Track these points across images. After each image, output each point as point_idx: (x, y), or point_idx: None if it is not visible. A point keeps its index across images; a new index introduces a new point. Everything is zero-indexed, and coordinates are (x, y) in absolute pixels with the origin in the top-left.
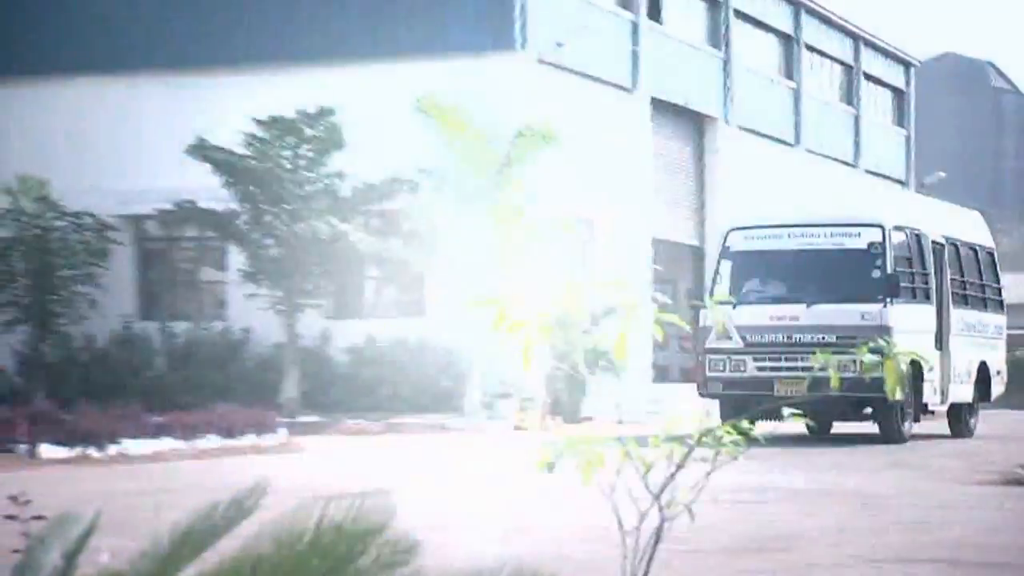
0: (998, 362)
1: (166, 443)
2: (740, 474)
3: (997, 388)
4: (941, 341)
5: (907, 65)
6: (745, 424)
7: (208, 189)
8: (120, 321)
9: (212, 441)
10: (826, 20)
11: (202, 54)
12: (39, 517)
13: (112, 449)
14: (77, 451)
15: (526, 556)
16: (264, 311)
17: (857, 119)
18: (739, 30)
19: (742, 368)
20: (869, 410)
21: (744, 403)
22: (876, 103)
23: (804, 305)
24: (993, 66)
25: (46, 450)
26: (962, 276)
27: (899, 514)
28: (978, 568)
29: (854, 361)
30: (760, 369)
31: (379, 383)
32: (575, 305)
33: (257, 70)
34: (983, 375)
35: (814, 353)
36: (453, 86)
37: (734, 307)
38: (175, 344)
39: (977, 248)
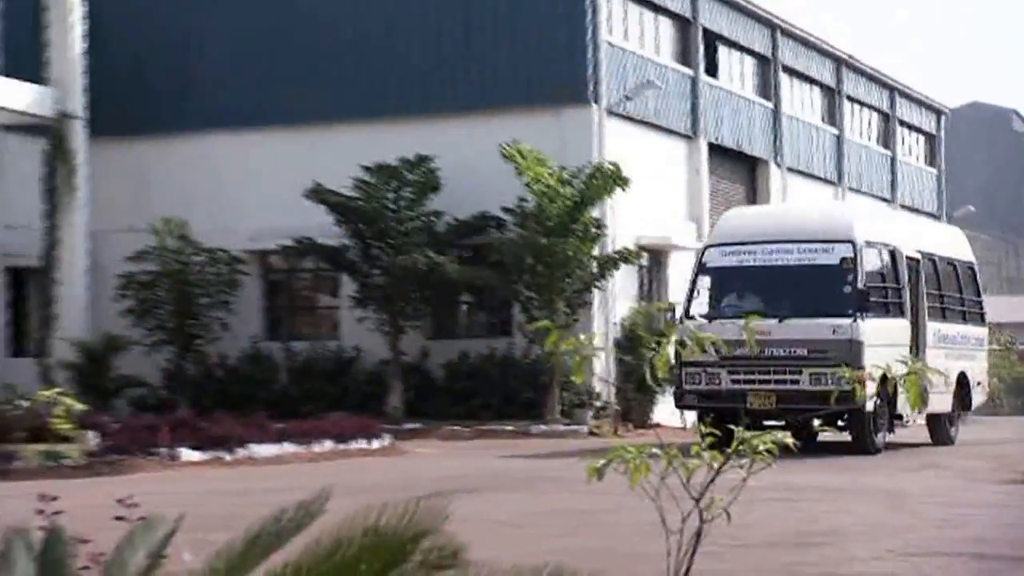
0: (978, 373)
1: (287, 447)
2: (783, 475)
3: (978, 398)
4: (917, 353)
5: (938, 112)
6: (778, 434)
7: (323, 227)
8: (249, 341)
9: (326, 446)
10: (865, 74)
11: (317, 111)
12: (143, 519)
13: (240, 453)
14: (211, 454)
15: (588, 547)
16: (372, 332)
17: (893, 160)
18: (786, 83)
19: (717, 381)
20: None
21: (720, 414)
22: (910, 146)
23: (776, 320)
24: (1017, 113)
25: (185, 454)
26: (939, 290)
27: (929, 511)
28: (1000, 561)
29: (826, 375)
30: (734, 382)
31: (471, 394)
32: (642, 324)
33: (365, 124)
34: (963, 386)
35: (788, 367)
36: (535, 135)
37: (709, 321)
38: (295, 361)
39: (957, 263)
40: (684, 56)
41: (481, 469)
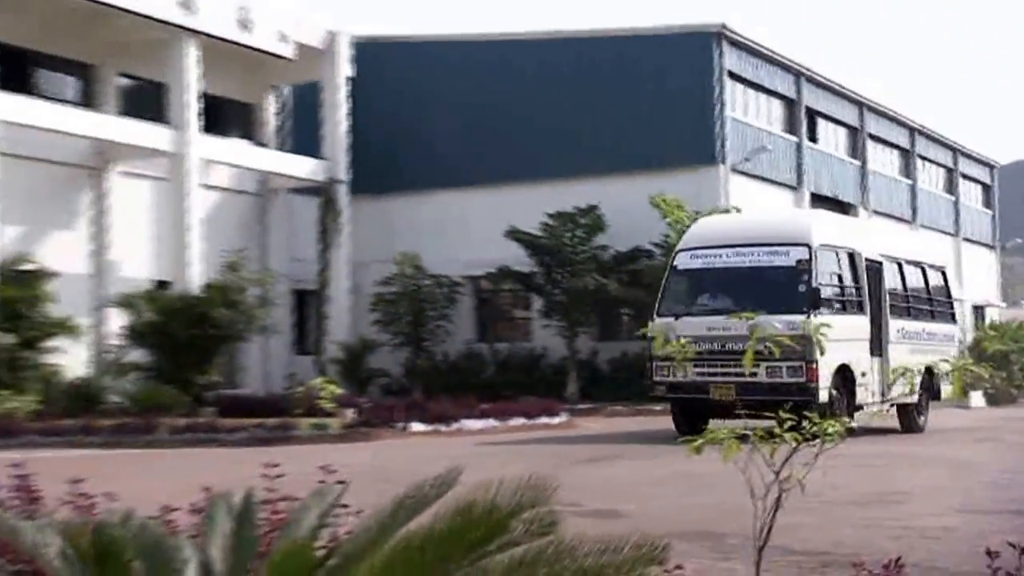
0: (942, 366)
1: (489, 422)
2: (866, 445)
3: (945, 390)
4: (881, 348)
5: (991, 167)
6: (844, 419)
7: (518, 259)
8: (464, 343)
9: (519, 421)
10: (932, 138)
11: (514, 173)
12: (341, 482)
13: (454, 426)
14: (432, 427)
15: (704, 503)
16: (555, 336)
17: (956, 203)
18: (871, 146)
19: (683, 374)
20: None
21: (687, 404)
22: (970, 193)
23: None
24: None
25: (414, 426)
26: (905, 291)
27: (984, 476)
28: None
29: (781, 368)
30: (699, 375)
31: (630, 382)
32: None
33: (548, 182)
34: (931, 378)
35: (751, 361)
36: (676, 187)
37: (676, 319)
38: (498, 358)
39: (926, 267)
40: (790, 126)
41: (630, 436)
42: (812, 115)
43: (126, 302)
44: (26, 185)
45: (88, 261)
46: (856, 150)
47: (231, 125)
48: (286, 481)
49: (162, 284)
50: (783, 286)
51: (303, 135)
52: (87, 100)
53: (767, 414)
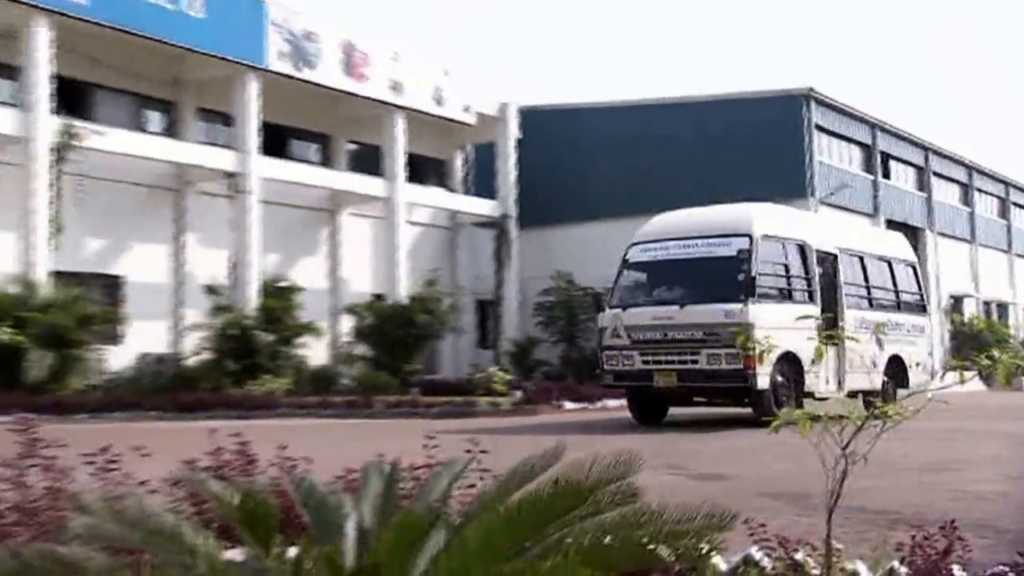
0: (917, 356)
1: (623, 402)
2: (929, 422)
3: (919, 377)
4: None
5: None
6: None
7: None
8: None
9: None
10: (988, 175)
11: (640, 206)
12: (484, 451)
13: (598, 404)
14: (581, 405)
15: (798, 468)
16: None
17: (1009, 227)
18: (935, 182)
19: (630, 362)
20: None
21: (635, 391)
22: (1021, 216)
23: (678, 306)
24: None
25: (567, 404)
26: (867, 283)
27: None
28: None
29: (720, 355)
30: (644, 363)
31: None
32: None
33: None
34: (898, 367)
35: (688, 348)
36: None
37: (624, 310)
38: None
39: (892, 261)
40: (867, 166)
41: (736, 412)
42: (885, 157)
43: (353, 310)
44: (281, 224)
45: (326, 279)
46: (923, 184)
47: (429, 176)
48: (463, 445)
49: (378, 296)
50: (724, 276)
51: (482, 182)
52: (325, 161)
53: (718, 401)
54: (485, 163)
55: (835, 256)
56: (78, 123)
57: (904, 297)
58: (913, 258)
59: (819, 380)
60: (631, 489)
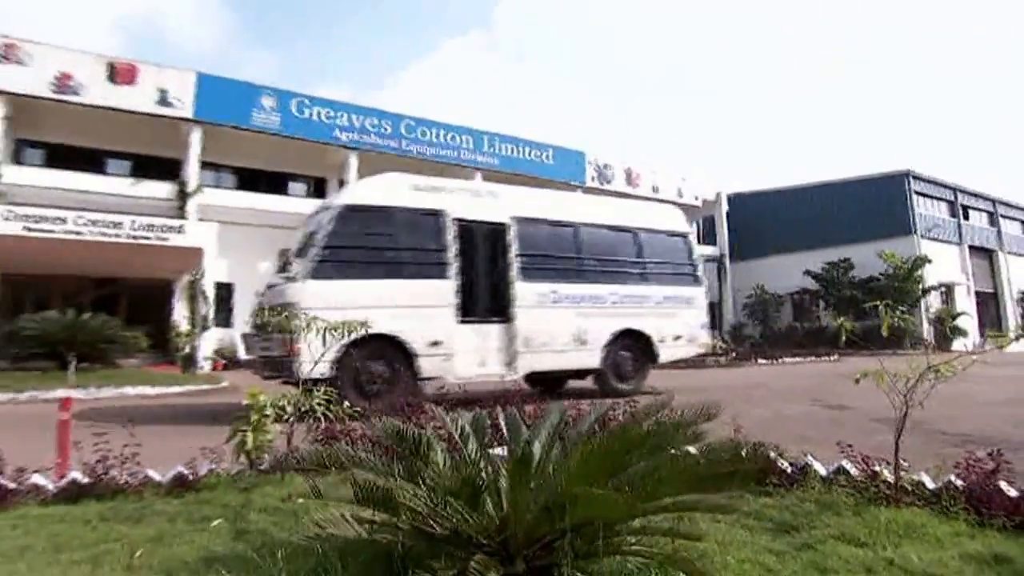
0: (673, 328)
1: (797, 359)
2: (1000, 369)
3: (671, 352)
4: (466, 313)
5: None
6: None
7: (810, 285)
8: (786, 323)
9: (811, 359)
10: None
11: (807, 244)
12: (648, 392)
13: (780, 360)
14: (769, 361)
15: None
16: (828, 318)
17: None
18: (1004, 223)
19: (252, 349)
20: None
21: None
22: None
23: (268, 287)
24: None
25: (760, 361)
26: (578, 253)
27: None
28: None
29: (272, 339)
30: (261, 349)
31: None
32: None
33: (823, 248)
34: (639, 340)
35: (266, 336)
36: (892, 247)
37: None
38: (801, 330)
39: (639, 231)
40: (952, 212)
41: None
42: (964, 208)
43: None
44: None
45: None
46: (994, 222)
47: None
48: (691, 381)
49: None
50: (308, 253)
51: (708, 236)
52: None
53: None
54: (709, 225)
55: (503, 226)
56: None
57: (658, 268)
58: (683, 229)
59: (458, 363)
60: (698, 431)
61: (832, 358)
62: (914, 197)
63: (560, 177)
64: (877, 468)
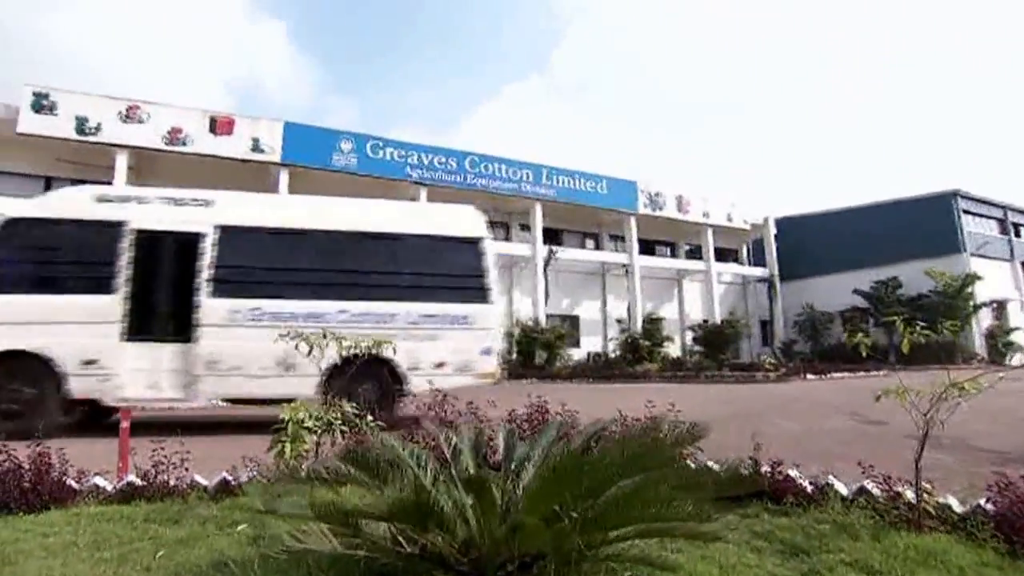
0: (422, 353)
1: (845, 375)
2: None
3: (429, 381)
4: (187, 332)
5: None
6: None
7: (860, 302)
8: (836, 339)
9: (860, 373)
10: None
11: (856, 264)
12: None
13: (830, 376)
14: (818, 376)
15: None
16: (877, 335)
17: None
18: None
19: None
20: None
21: None
22: None
23: None
24: None
25: (809, 376)
26: (277, 264)
27: None
28: None
29: None
30: None
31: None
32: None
33: (873, 268)
34: (382, 366)
35: None
36: (941, 265)
37: None
38: (848, 346)
39: (405, 237)
40: (1003, 229)
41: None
42: (1016, 226)
43: (692, 328)
44: (652, 287)
45: (676, 313)
46: None
47: (727, 258)
48: (732, 395)
49: (705, 321)
50: None
51: (758, 257)
52: (673, 254)
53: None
54: (758, 247)
55: (199, 236)
56: (554, 247)
57: (421, 281)
58: (473, 234)
59: (113, 385)
60: (691, 437)
61: (881, 373)
62: (962, 216)
63: (614, 205)
64: (900, 489)
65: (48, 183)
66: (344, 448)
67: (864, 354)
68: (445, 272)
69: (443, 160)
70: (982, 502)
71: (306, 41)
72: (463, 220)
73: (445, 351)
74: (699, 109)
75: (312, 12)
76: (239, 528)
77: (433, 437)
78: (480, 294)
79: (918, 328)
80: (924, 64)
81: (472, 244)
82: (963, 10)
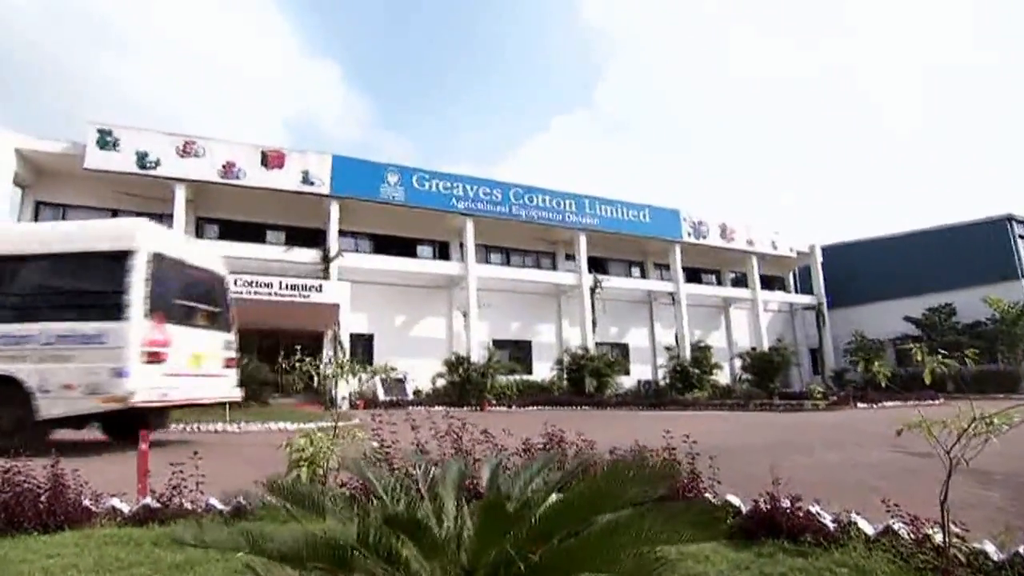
0: (54, 376)
1: (896, 402)
2: None
3: (57, 406)
4: None
5: None
6: None
7: (909, 330)
8: (890, 368)
9: (911, 403)
10: None
11: (907, 291)
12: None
13: (879, 404)
14: (868, 405)
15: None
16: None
17: None
18: None
19: None
20: None
21: None
22: None
23: None
24: None
25: (859, 405)
26: None
27: None
28: None
29: None
30: None
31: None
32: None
33: (924, 295)
34: (15, 391)
35: None
36: (998, 292)
37: None
38: (904, 375)
39: (34, 257)
40: None
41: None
42: None
43: (740, 355)
44: (697, 316)
45: (724, 341)
46: None
47: (773, 286)
48: (773, 422)
49: (752, 348)
50: None
51: (805, 285)
52: (718, 282)
53: None
54: (805, 275)
55: None
56: (599, 276)
57: (57, 300)
58: (120, 247)
59: None
60: (674, 469)
61: (937, 402)
62: (1017, 241)
63: (657, 234)
64: (929, 531)
65: (114, 215)
66: (268, 479)
67: (927, 381)
68: (86, 289)
69: (488, 191)
70: (1022, 549)
71: (358, 80)
72: (116, 234)
73: (76, 372)
74: (741, 139)
75: (363, 52)
76: (238, 555)
77: (414, 466)
78: (117, 311)
79: (939, 358)
80: (968, 87)
81: (118, 259)
82: (1016, 27)
